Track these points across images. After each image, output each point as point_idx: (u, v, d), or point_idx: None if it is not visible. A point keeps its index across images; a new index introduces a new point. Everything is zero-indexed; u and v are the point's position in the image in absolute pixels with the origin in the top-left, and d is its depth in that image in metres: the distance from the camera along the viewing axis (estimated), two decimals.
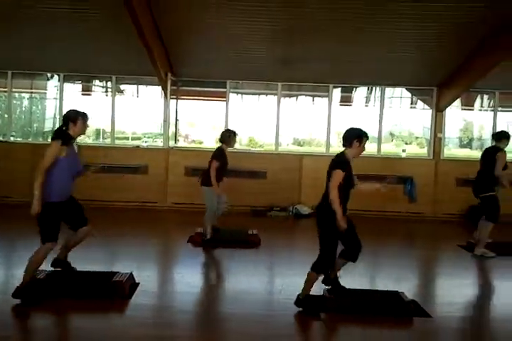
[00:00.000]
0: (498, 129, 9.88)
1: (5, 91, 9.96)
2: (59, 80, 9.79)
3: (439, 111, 9.73)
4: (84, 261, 5.24)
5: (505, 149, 6.70)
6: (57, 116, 9.78)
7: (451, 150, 10.62)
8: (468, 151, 10.69)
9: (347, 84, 9.76)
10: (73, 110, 4.55)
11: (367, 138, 4.39)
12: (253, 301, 4.57)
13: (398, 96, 10.03)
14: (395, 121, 10.68)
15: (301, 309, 4.31)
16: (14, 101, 10.39)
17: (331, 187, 4.16)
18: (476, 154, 8.80)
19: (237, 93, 9.94)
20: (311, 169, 9.25)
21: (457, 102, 9.83)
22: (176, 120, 9.88)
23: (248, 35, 8.05)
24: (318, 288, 4.63)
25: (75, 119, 4.43)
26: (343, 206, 4.20)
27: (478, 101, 9.97)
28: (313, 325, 4.22)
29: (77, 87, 10.03)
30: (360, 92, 9.94)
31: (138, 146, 9.93)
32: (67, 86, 9.88)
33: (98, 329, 3.87)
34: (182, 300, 4.70)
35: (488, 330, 4.25)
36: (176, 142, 10.05)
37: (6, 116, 10.14)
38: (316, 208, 4.40)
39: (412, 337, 4.11)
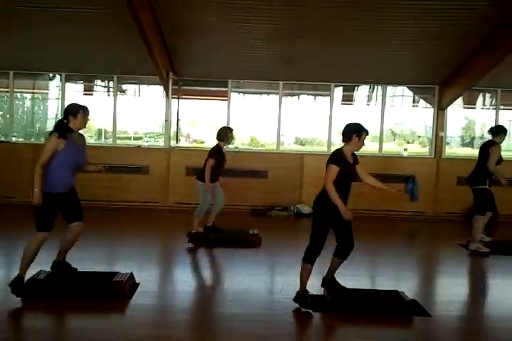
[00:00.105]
0: None
1: (7, 92, 9.99)
2: (61, 80, 9.81)
3: (440, 109, 9.70)
4: (85, 261, 5.27)
5: (501, 144, 6.77)
6: (60, 117, 9.79)
7: (453, 148, 10.60)
8: (470, 150, 10.65)
9: (349, 83, 9.75)
10: (74, 103, 4.63)
11: (366, 133, 4.43)
12: (254, 301, 4.58)
13: (400, 95, 10.01)
14: (397, 119, 10.66)
15: (301, 307, 4.33)
16: (16, 102, 10.41)
17: (326, 183, 4.29)
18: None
19: (239, 92, 9.94)
20: (313, 168, 9.24)
21: (459, 101, 9.81)
22: (178, 119, 9.88)
23: (249, 34, 8.05)
24: (318, 288, 4.65)
25: (75, 113, 4.48)
26: (343, 199, 4.31)
27: (480, 99, 9.95)
28: (314, 324, 4.22)
29: (79, 86, 10.05)
30: (361, 91, 9.93)
31: (139, 146, 9.95)
32: (68, 86, 9.90)
33: (98, 329, 3.88)
34: (182, 300, 4.71)
35: (487, 329, 4.24)
36: (177, 142, 10.06)
37: (8, 116, 10.17)
38: (314, 200, 4.50)
39: (411, 336, 4.11)
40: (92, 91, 10.08)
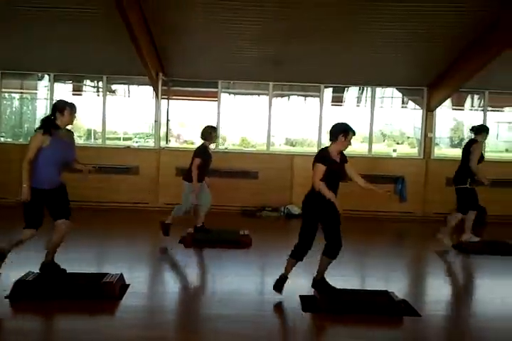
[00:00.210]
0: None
1: None
2: (49, 80, 9.75)
3: (429, 111, 9.78)
4: (75, 262, 5.23)
5: (484, 142, 6.96)
6: None
7: (442, 149, 10.68)
8: (459, 151, 10.65)
9: (338, 84, 9.79)
10: (61, 100, 4.69)
11: (353, 133, 4.51)
12: (244, 302, 4.57)
13: (389, 97, 10.08)
14: (387, 121, 10.72)
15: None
16: (4, 102, 10.32)
17: (314, 181, 4.40)
18: None
19: (229, 93, 9.94)
20: (303, 169, 9.21)
21: (448, 102, 9.89)
22: (168, 120, 9.86)
23: (239, 35, 8.06)
24: (308, 288, 4.66)
25: (62, 109, 4.53)
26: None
27: (468, 101, 10.04)
28: (304, 325, 4.23)
29: (68, 86, 9.99)
30: (351, 92, 9.98)
31: (129, 147, 9.91)
32: (57, 86, 9.85)
33: (88, 330, 3.85)
34: (172, 301, 4.70)
35: (476, 329, 4.27)
36: (167, 142, 10.03)
37: None
38: (303, 200, 4.59)
39: (401, 336, 4.13)
40: (81, 91, 10.02)
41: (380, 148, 10.83)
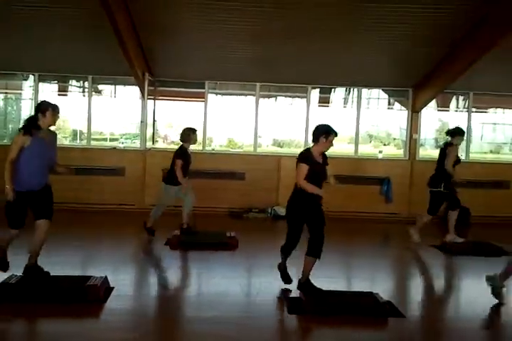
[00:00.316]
0: (473, 130, 10.12)
1: None
2: (34, 80, 9.65)
3: (414, 112, 9.84)
4: (58, 265, 5.18)
5: (459, 145, 7.09)
6: None
7: (428, 150, 10.74)
8: None
9: (325, 85, 9.81)
10: (45, 101, 4.75)
11: (335, 134, 4.63)
12: (230, 303, 4.56)
13: (375, 98, 10.12)
14: (373, 122, 10.76)
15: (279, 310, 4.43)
16: None
17: (298, 180, 4.54)
18: None
19: (216, 93, 9.92)
20: (290, 170, 9.10)
21: (433, 103, 9.95)
22: (154, 121, 9.81)
23: (226, 36, 8.04)
24: (294, 290, 4.66)
25: (44, 110, 4.56)
26: (315, 198, 4.53)
27: (453, 102, 10.11)
28: (290, 326, 4.24)
29: (53, 87, 9.89)
30: (338, 93, 10.01)
31: (114, 148, 9.84)
32: (42, 86, 9.75)
33: (71, 333, 3.82)
34: (157, 304, 4.69)
35: (460, 329, 4.29)
36: (154, 143, 9.98)
37: None
38: (288, 200, 4.72)
39: (387, 337, 4.15)
40: (67, 91, 9.92)
41: (367, 150, 10.88)
